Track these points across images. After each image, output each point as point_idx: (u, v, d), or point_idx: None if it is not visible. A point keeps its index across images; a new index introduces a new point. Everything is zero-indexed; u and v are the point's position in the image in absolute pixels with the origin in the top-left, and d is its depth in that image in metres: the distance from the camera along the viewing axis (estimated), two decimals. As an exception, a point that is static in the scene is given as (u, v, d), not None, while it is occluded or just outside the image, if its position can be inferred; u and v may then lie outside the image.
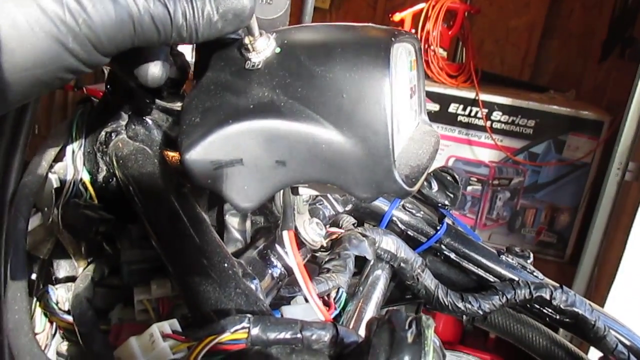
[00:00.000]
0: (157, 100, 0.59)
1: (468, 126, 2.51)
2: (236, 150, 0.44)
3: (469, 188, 2.62)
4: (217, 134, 0.44)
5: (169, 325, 0.43)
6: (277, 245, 0.54)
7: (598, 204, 2.27)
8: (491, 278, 0.79)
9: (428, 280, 0.76)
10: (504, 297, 0.76)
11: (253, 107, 0.44)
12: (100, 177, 0.66)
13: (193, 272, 0.48)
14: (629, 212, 2.12)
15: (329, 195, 0.69)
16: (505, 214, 2.64)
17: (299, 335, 0.41)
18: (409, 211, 0.80)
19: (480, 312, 0.75)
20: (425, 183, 0.79)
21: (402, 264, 0.74)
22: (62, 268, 0.61)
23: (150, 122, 0.61)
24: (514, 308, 0.82)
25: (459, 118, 2.52)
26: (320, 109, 0.44)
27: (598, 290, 2.24)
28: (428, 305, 0.92)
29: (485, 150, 2.58)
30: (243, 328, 0.41)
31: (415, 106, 0.63)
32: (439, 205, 0.79)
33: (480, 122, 2.49)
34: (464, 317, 0.79)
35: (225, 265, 0.49)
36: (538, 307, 0.79)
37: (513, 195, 2.62)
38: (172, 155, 0.58)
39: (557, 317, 0.78)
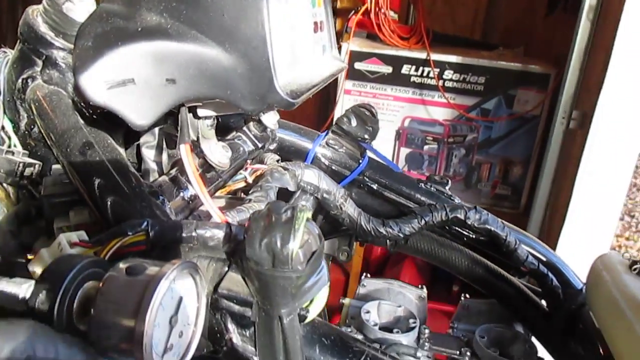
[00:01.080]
0: (67, 43, 0.61)
1: (421, 86, 2.56)
2: (127, 70, 0.47)
3: (426, 147, 2.69)
4: (108, 56, 0.47)
5: (77, 235, 0.47)
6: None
7: (546, 153, 2.37)
8: (411, 204, 0.85)
9: (351, 209, 0.81)
10: (422, 220, 0.81)
11: (141, 30, 0.48)
12: (22, 124, 0.68)
13: (104, 191, 0.52)
14: (575, 158, 2.22)
15: (246, 130, 0.73)
16: (462, 170, 2.72)
17: (194, 234, 0.46)
18: (331, 147, 0.85)
19: (401, 235, 0.81)
20: (344, 119, 0.84)
21: (325, 195, 0.79)
22: (-10, 211, 0.63)
23: (63, 65, 0.63)
24: (436, 232, 0.88)
25: (412, 79, 2.57)
26: (204, 29, 0.47)
27: (550, 237, 2.34)
28: (359, 239, 0.98)
29: (439, 109, 2.64)
30: (142, 230, 0.45)
31: (323, 42, 0.67)
32: (360, 139, 0.84)
33: (433, 82, 2.54)
34: (388, 242, 0.84)
35: (133, 184, 0.52)
36: (456, 228, 0.85)
37: (468, 152, 2.70)
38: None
39: (473, 236, 0.84)
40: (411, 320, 0.81)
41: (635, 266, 0.72)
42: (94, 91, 0.47)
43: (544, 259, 0.85)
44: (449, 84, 2.54)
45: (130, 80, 0.47)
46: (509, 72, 2.50)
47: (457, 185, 2.70)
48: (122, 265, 0.38)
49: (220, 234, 0.46)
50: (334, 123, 0.85)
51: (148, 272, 0.37)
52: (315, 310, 0.45)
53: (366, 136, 0.84)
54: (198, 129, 0.55)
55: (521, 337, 0.84)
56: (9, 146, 0.69)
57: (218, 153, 0.59)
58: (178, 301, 0.39)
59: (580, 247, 2.19)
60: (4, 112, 0.68)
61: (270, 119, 0.73)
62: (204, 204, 0.54)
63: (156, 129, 0.64)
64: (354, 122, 0.83)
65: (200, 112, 0.52)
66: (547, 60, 2.65)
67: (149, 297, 0.35)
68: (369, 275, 0.93)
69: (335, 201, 0.80)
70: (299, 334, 0.44)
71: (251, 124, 0.74)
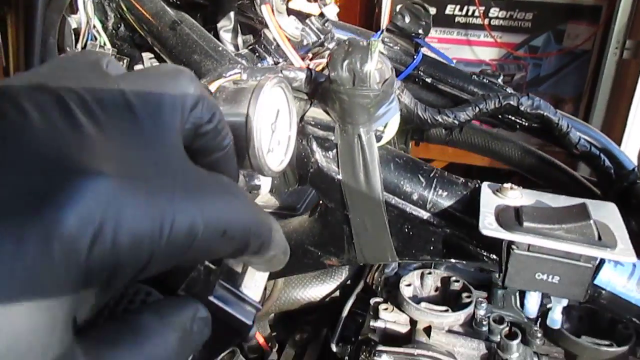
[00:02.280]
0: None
1: (466, 26, 2.54)
2: None
3: (472, 88, 2.68)
4: None
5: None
6: (263, 40, 0.65)
7: (598, 87, 2.32)
8: (465, 96, 0.89)
9: (407, 99, 0.86)
10: (477, 107, 0.85)
11: None
12: (110, 24, 0.76)
13: (194, 55, 0.59)
14: (629, 90, 2.17)
15: (309, 23, 0.79)
16: (510, 110, 2.69)
17: (280, 75, 0.52)
18: (387, 45, 0.90)
19: (456, 122, 0.85)
20: (399, 16, 0.88)
21: (383, 86, 0.84)
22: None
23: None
24: (490, 123, 0.92)
25: (457, 19, 2.55)
26: None
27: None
28: (415, 137, 1.03)
29: (485, 49, 2.62)
30: (236, 72, 0.52)
31: None
32: (414, 35, 0.88)
33: (479, 21, 2.51)
34: (444, 131, 0.89)
35: (220, 48, 0.60)
36: (509, 117, 0.88)
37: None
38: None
39: (526, 123, 0.88)
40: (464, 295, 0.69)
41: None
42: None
43: (596, 142, 0.88)
44: (495, 22, 2.50)
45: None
46: (559, 6, 2.44)
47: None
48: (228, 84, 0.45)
49: (302, 75, 0.53)
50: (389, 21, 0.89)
51: (251, 83, 0.44)
52: (389, 133, 0.52)
53: (420, 31, 0.88)
54: (272, 2, 0.62)
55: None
56: (100, 44, 0.78)
57: (291, 25, 0.66)
58: (276, 112, 0.46)
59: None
60: (94, 13, 0.77)
61: (331, 11, 0.78)
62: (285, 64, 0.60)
63: (232, 14, 0.70)
64: (407, 19, 0.88)
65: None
66: (597, -8, 2.57)
67: (256, 97, 0.42)
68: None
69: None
70: (375, 152, 0.50)
71: (312, 17, 0.80)
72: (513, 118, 0.90)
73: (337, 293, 0.82)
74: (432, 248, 0.53)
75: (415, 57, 0.90)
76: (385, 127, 0.52)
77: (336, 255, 0.58)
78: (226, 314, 0.36)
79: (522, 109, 0.85)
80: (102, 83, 0.25)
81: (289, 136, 0.47)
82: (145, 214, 0.21)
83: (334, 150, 0.51)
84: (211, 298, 0.34)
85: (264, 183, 0.53)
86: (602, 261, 0.45)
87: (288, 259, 0.31)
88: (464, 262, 0.52)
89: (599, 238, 0.42)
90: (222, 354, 0.83)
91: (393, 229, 0.53)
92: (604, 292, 0.49)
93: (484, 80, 0.90)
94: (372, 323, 0.68)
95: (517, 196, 0.48)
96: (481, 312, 0.67)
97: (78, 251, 0.20)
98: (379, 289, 0.74)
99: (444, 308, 0.66)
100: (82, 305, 0.22)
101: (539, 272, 0.44)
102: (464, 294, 0.69)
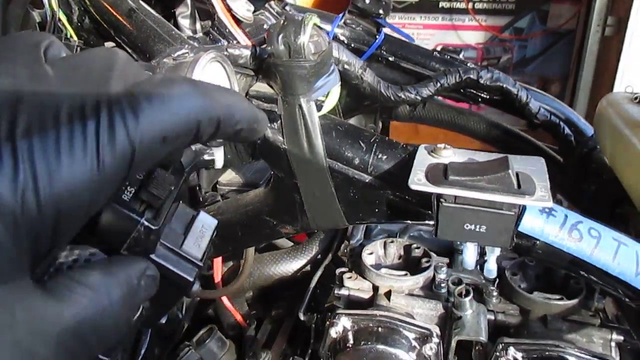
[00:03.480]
0: None
1: (450, 11, 2.55)
2: None
3: (459, 73, 2.69)
4: None
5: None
6: (217, 23, 0.68)
7: (582, 64, 2.33)
8: (427, 72, 0.91)
9: (370, 78, 0.88)
10: (438, 83, 0.88)
11: None
12: (75, 17, 0.79)
13: (149, 40, 0.62)
14: (612, 68, 2.18)
15: (268, 7, 0.81)
16: (497, 93, 2.71)
17: (226, 53, 0.55)
18: (349, 26, 0.92)
19: (419, 98, 0.88)
20: (359, -3, 0.91)
21: (345, 67, 0.87)
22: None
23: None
24: (454, 99, 0.94)
25: (441, 4, 2.56)
26: None
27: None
28: (384, 115, 1.05)
29: (470, 33, 2.63)
30: (184, 52, 0.55)
31: None
32: (375, 15, 0.91)
33: (462, 5, 2.53)
34: (408, 107, 0.92)
35: (173, 32, 0.63)
36: (471, 91, 0.91)
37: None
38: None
39: (488, 96, 0.91)
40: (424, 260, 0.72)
41: (637, 97, 0.77)
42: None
43: (555, 111, 0.90)
44: (479, 6, 2.52)
45: None
46: (541, -14, 2.45)
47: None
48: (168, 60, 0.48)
49: (247, 52, 0.56)
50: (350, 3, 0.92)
51: (189, 58, 0.47)
52: (330, 102, 0.54)
53: (381, 11, 0.91)
54: (224, -13, 0.65)
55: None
56: (66, 36, 0.80)
57: (242, 8, 0.68)
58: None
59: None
60: (59, 7, 0.79)
61: (290, -5, 0.81)
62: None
63: (189, 0, 0.73)
64: (367, 0, 0.90)
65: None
66: (580, -30, 2.57)
67: (191, 69, 0.45)
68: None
69: (355, 71, 0.88)
70: (317, 121, 0.53)
71: (272, 2, 0.82)
72: (475, 92, 0.92)
73: (309, 267, 0.85)
74: (377, 210, 0.56)
75: (377, 37, 0.92)
76: (326, 97, 0.54)
77: (290, 223, 0.60)
78: (168, 272, 0.38)
79: (482, 82, 0.88)
80: (31, 66, 0.26)
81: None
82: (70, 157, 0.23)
83: (279, 122, 0.54)
84: (153, 257, 0.37)
85: (217, 157, 0.56)
86: (523, 209, 0.48)
87: (265, 126, 0.32)
88: (409, 222, 0.55)
89: (519, 187, 0.44)
90: (201, 331, 0.86)
91: (340, 194, 0.56)
92: (538, 242, 0.52)
93: (446, 56, 0.93)
94: (336, 291, 0.71)
95: (449, 155, 0.51)
96: (441, 276, 0.69)
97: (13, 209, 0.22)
98: (346, 260, 0.77)
99: (402, 273, 0.69)
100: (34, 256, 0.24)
101: (467, 223, 0.47)
102: (424, 259, 0.71)
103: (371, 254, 0.73)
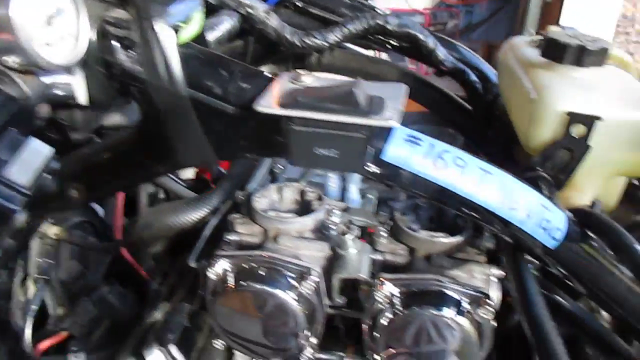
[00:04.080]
0: None
1: (397, -25, 2.53)
2: None
3: (407, 38, 2.68)
4: None
5: None
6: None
7: (523, 29, 2.35)
8: (335, 18, 0.89)
9: (275, 23, 0.85)
10: (345, 28, 0.86)
11: None
12: None
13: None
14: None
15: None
16: (444, 59, 2.71)
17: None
18: (256, -31, 0.89)
19: (326, 44, 0.86)
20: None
21: (248, 10, 0.84)
22: None
23: None
24: (363, 46, 0.93)
25: (387, -32, 2.53)
26: None
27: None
28: (297, 65, 1.03)
29: (417, -2, 2.62)
30: None
31: None
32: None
33: (409, -31, 2.51)
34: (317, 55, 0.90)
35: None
36: (380, 37, 0.89)
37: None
38: None
39: (397, 43, 0.89)
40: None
41: (535, 40, 0.77)
42: None
43: (464, 59, 0.90)
44: (425, -30, 2.50)
45: None
46: (486, -50, 2.45)
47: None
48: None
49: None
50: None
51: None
52: (190, 30, 0.52)
53: (288, -46, 0.87)
54: None
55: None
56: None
57: None
58: (54, 8, 0.45)
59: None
60: None
61: None
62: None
63: None
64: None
65: None
66: None
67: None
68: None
69: (258, 15, 0.84)
70: (174, 47, 0.50)
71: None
72: (383, 39, 0.91)
73: (216, 221, 0.83)
74: (246, 144, 0.54)
75: (284, -19, 0.89)
76: (186, 22, 0.51)
77: (162, 161, 0.58)
78: None
79: (389, 28, 0.86)
80: None
81: (77, 32, 0.47)
82: None
83: (137, 50, 0.51)
84: None
85: (77, 91, 0.53)
86: (382, 134, 0.47)
87: None
88: (279, 155, 0.53)
89: (365, 108, 0.43)
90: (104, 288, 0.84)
91: (205, 127, 0.54)
92: (403, 171, 0.51)
93: (355, 2, 0.91)
94: (226, 236, 0.69)
95: (310, 81, 0.49)
96: (334, 219, 0.68)
97: None
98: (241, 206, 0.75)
99: (290, 215, 0.68)
100: None
101: (318, 148, 0.45)
102: (315, 202, 0.70)
103: (264, 198, 0.71)
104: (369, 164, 0.51)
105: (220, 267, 0.62)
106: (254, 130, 0.52)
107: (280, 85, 0.48)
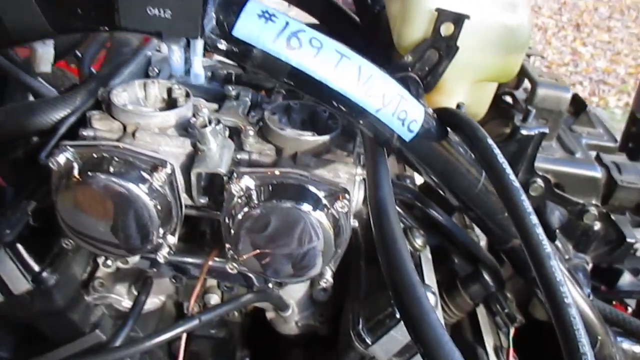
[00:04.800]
0: None
1: None
2: None
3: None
4: None
5: None
6: None
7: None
8: None
9: None
10: None
11: None
12: None
13: None
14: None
15: None
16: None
17: None
18: None
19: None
20: None
21: None
22: None
23: None
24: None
25: None
26: None
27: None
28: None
29: None
30: None
31: None
32: None
33: None
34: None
35: None
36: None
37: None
38: None
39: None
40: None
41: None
42: None
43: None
44: None
45: None
46: None
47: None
48: None
49: None
50: None
51: None
52: None
53: None
54: None
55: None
56: None
57: None
58: None
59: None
60: None
61: None
62: None
63: None
64: None
65: None
66: None
67: None
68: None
69: None
70: None
71: None
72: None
73: (74, 118, 0.76)
74: (82, 12, 0.48)
75: None
76: None
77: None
78: None
79: None
80: None
81: None
82: None
83: None
84: None
85: None
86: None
87: None
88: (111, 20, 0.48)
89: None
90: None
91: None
92: (254, 50, 0.48)
93: None
94: (82, 132, 0.64)
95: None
96: (200, 118, 0.65)
97: None
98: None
99: (151, 109, 0.63)
100: None
101: (150, 7, 0.41)
102: (182, 99, 0.66)
103: (125, 93, 0.66)
104: (219, 40, 0.47)
105: (64, 157, 0.56)
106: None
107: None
